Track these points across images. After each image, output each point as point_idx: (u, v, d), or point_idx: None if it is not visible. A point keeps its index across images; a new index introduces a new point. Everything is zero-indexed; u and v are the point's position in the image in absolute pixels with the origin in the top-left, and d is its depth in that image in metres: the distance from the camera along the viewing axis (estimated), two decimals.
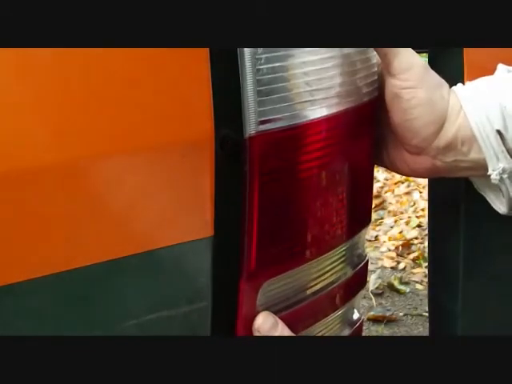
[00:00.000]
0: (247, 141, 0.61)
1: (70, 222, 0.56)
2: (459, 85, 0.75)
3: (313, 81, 0.65)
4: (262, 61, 0.61)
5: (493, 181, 0.72)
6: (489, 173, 0.72)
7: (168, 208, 0.60)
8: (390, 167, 0.78)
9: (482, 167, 0.72)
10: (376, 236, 2.79)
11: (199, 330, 0.63)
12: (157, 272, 0.60)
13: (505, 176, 0.71)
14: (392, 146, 0.76)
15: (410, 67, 0.70)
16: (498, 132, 0.70)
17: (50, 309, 0.56)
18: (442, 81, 0.73)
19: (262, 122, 0.62)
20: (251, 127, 0.61)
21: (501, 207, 0.77)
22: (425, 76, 0.71)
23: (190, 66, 0.59)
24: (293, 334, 0.66)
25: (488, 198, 0.78)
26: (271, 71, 0.62)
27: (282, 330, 0.65)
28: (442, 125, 0.72)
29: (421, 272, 2.50)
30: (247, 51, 0.60)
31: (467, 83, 0.76)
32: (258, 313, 0.66)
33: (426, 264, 2.01)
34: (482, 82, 0.74)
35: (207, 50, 0.59)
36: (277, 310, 0.67)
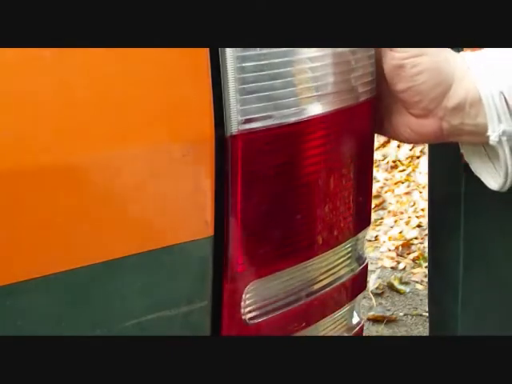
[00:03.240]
0: (229, 139, 0.61)
1: (70, 221, 0.56)
2: (467, 51, 0.75)
3: (302, 79, 0.65)
4: (245, 59, 0.60)
5: (491, 142, 0.73)
6: (488, 133, 0.73)
7: (168, 208, 0.60)
8: (392, 134, 0.79)
9: (485, 132, 0.73)
10: (376, 236, 2.78)
11: (199, 329, 0.63)
12: (157, 272, 0.60)
13: (504, 138, 0.72)
14: (395, 113, 0.77)
15: None
16: (502, 94, 0.71)
17: (50, 309, 0.56)
18: None
19: (246, 121, 0.61)
20: (232, 126, 0.61)
21: (493, 183, 0.77)
22: None
23: (190, 66, 0.59)
24: None
25: (482, 178, 0.78)
26: (255, 69, 0.61)
27: None
28: (450, 85, 0.72)
29: (421, 272, 2.50)
30: (229, 49, 0.60)
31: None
32: (243, 312, 0.65)
33: (426, 264, 2.00)
34: (489, 49, 0.75)
35: (207, 49, 0.59)
36: (266, 312, 0.66)
